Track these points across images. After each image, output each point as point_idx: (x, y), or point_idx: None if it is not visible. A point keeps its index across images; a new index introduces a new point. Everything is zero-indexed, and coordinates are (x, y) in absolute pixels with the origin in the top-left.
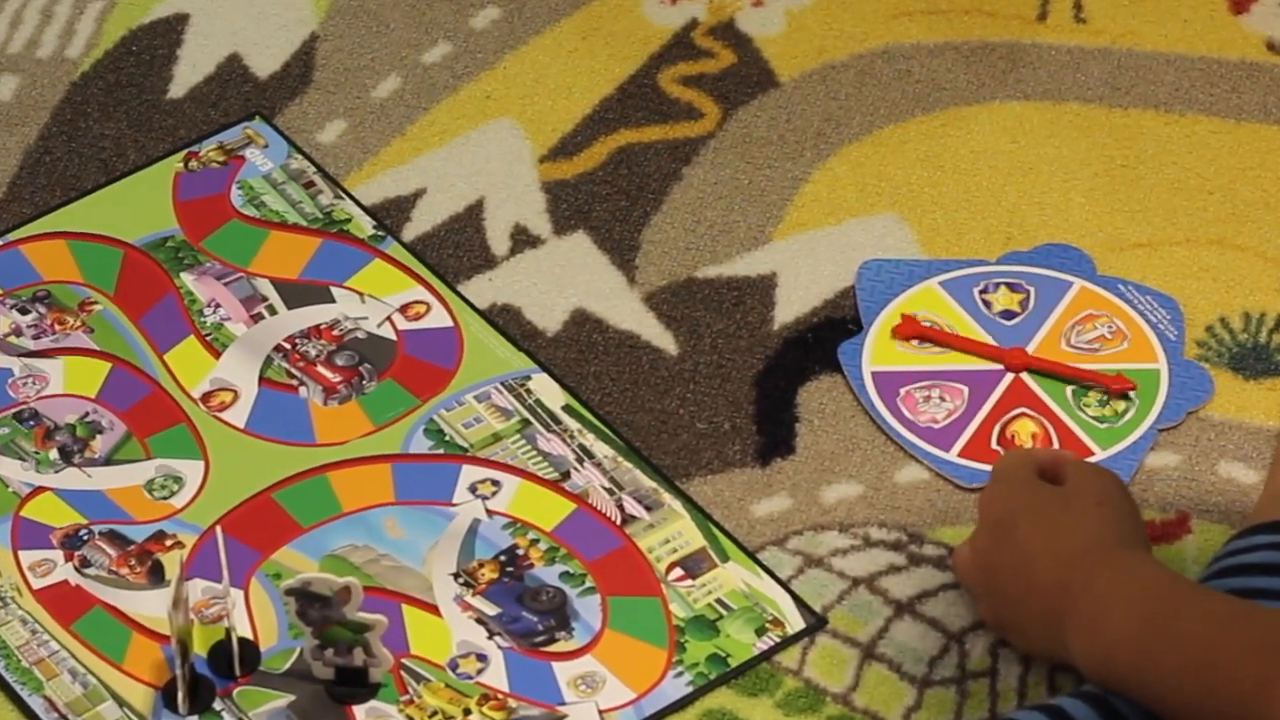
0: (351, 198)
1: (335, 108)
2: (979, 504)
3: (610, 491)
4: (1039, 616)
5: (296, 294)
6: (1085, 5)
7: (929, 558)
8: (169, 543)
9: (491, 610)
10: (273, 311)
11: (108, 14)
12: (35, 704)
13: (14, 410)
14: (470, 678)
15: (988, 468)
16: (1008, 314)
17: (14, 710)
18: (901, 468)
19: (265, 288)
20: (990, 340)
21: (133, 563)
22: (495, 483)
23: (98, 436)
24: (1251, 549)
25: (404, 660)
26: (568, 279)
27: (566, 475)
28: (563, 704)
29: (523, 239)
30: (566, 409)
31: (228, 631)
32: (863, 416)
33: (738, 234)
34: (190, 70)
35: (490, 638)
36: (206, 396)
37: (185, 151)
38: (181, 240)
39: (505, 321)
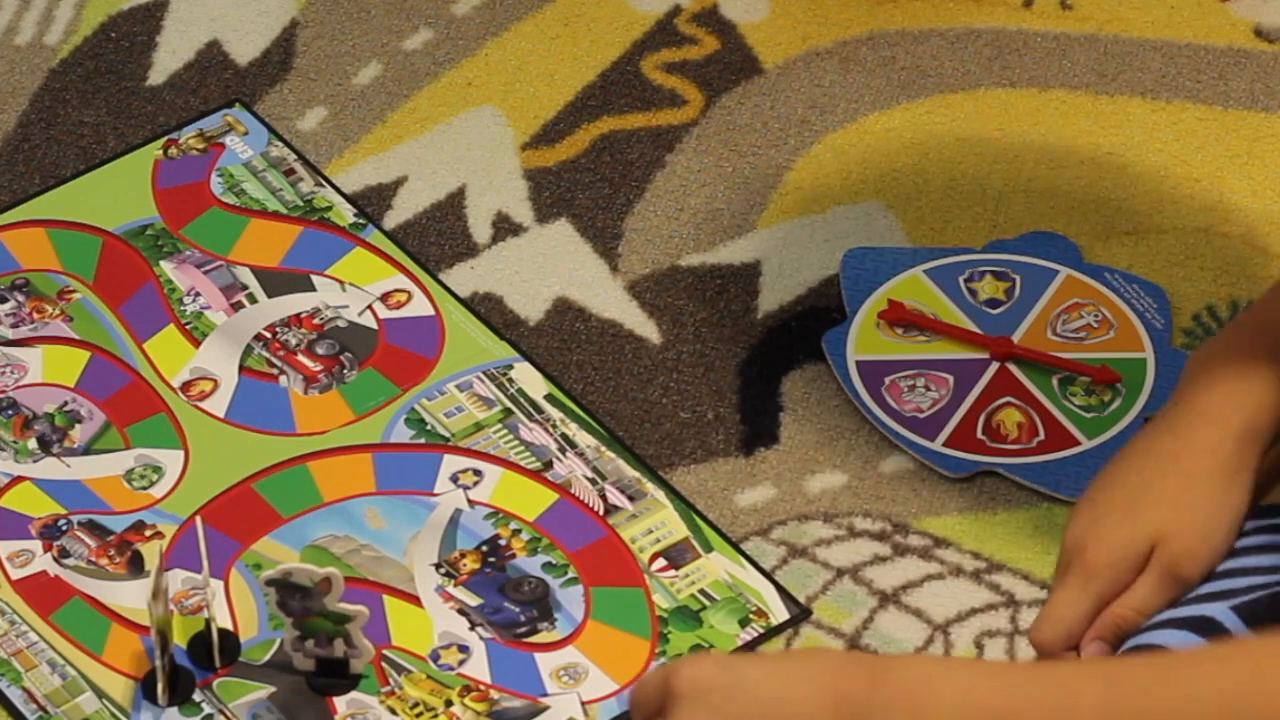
0: (332, 185)
1: (316, 95)
2: None
3: (593, 481)
4: None
5: (277, 282)
6: None
7: (914, 548)
8: (148, 533)
9: (473, 601)
10: (253, 300)
11: (87, 0)
12: (14, 695)
13: None
14: (452, 669)
15: (974, 457)
16: (993, 302)
17: None
18: (886, 457)
19: (245, 276)
20: (976, 329)
21: (112, 553)
22: (477, 473)
23: (76, 426)
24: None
25: (385, 651)
26: (550, 267)
27: (549, 465)
28: (545, 695)
29: (505, 227)
30: (549, 398)
31: (207, 622)
32: (847, 406)
33: (721, 222)
34: (170, 57)
35: (472, 629)
36: (186, 385)
37: (165, 139)
38: (161, 228)
39: (487, 310)
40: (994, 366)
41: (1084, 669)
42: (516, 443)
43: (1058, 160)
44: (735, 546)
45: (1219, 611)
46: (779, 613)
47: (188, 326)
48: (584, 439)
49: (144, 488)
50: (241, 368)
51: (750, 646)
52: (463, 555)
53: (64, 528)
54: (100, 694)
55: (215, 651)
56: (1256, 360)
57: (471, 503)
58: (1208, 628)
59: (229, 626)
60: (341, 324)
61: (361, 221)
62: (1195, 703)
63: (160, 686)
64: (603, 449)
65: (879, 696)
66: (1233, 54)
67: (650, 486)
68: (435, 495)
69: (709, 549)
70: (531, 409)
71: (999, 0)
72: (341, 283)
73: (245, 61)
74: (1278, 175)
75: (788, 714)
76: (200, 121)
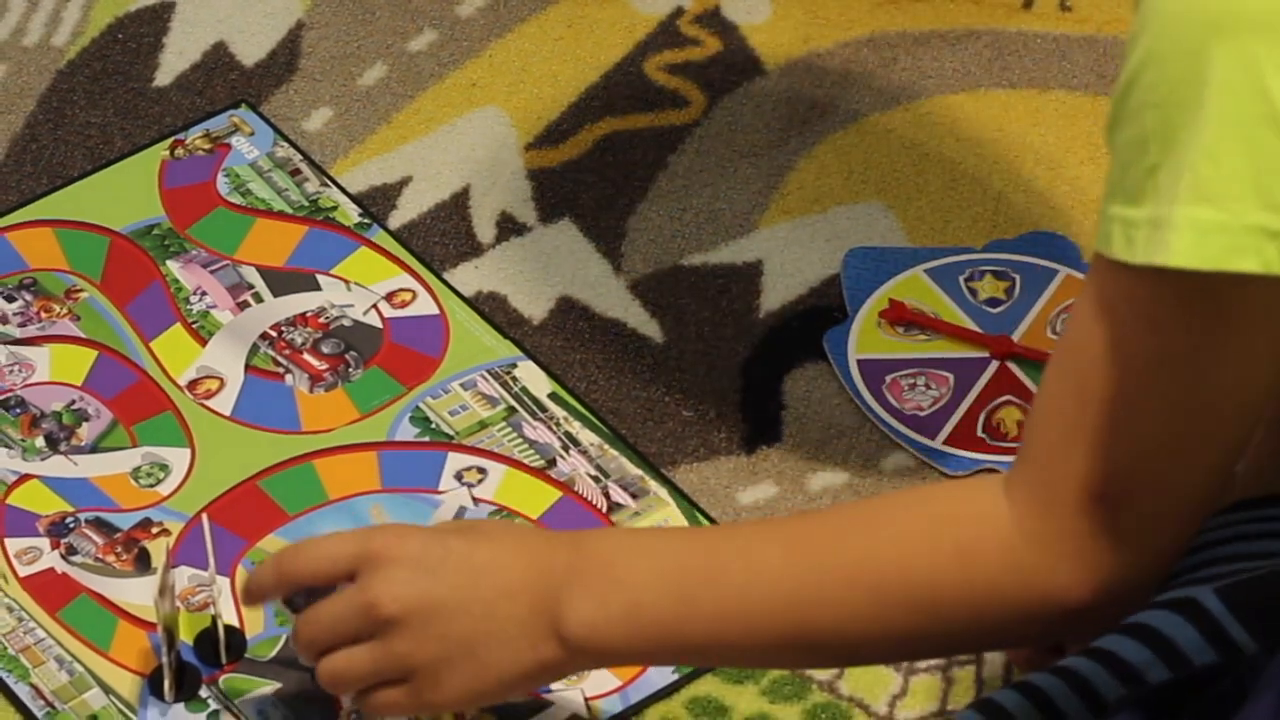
0: (337, 185)
1: (321, 96)
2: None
3: (596, 479)
4: (505, 626)
5: (282, 281)
6: None
7: None
8: (155, 530)
9: None
10: (259, 299)
11: (94, 2)
12: (21, 691)
13: (0, 398)
14: None
15: (974, 455)
16: (993, 301)
17: (0, 698)
18: (887, 455)
19: (251, 275)
20: (976, 328)
21: (119, 550)
22: (481, 470)
23: (84, 424)
24: (1221, 526)
25: None
26: (553, 267)
27: (552, 463)
28: (549, 691)
29: (508, 227)
30: (552, 396)
31: (214, 619)
32: (848, 404)
33: (723, 222)
34: (176, 58)
35: None
36: (192, 384)
37: (171, 139)
38: (168, 228)
39: (491, 309)
40: (994, 365)
41: (766, 530)
42: (520, 441)
43: (1058, 160)
44: None
45: (1201, 593)
46: None
47: (194, 325)
48: (587, 437)
49: (151, 485)
50: (247, 366)
51: None
52: None
53: (71, 525)
54: (107, 690)
55: (221, 648)
56: None
57: (476, 500)
58: (1189, 607)
59: (235, 623)
60: (347, 323)
61: (366, 221)
62: (871, 559)
63: (167, 683)
64: (606, 447)
65: (579, 564)
66: None
67: (653, 484)
68: (440, 493)
69: None
70: (535, 407)
71: (999, 1)
72: (347, 282)
73: (251, 63)
74: None
75: (498, 581)
76: (206, 122)
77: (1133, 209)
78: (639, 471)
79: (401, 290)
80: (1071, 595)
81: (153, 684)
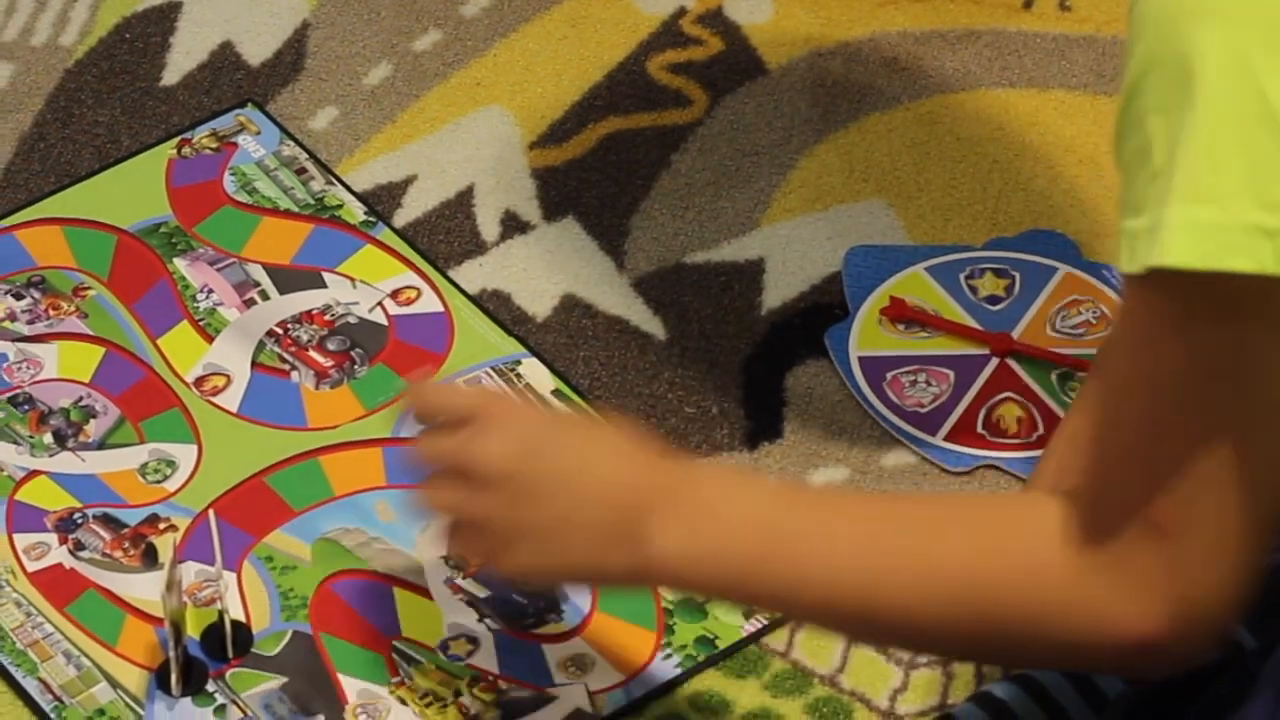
0: (343, 184)
1: (327, 95)
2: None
3: None
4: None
5: (288, 279)
6: None
7: None
8: (162, 526)
9: (482, 593)
10: (265, 297)
11: (101, 2)
12: (30, 686)
13: (8, 395)
14: (461, 660)
15: (974, 451)
16: (993, 299)
17: (9, 692)
18: (888, 452)
19: (258, 273)
20: (976, 325)
21: (126, 546)
22: None
23: (92, 421)
24: None
25: (395, 642)
26: (557, 264)
27: None
28: (553, 685)
29: (512, 225)
30: (556, 393)
31: (220, 614)
32: (849, 401)
33: (726, 220)
34: (183, 57)
35: (480, 620)
36: (199, 381)
37: (178, 138)
38: (175, 226)
39: (495, 306)
40: (994, 362)
41: (853, 507)
42: None
43: (1057, 160)
44: None
45: None
46: None
47: (201, 323)
48: None
49: (158, 481)
50: (254, 363)
51: (755, 638)
52: None
53: (79, 521)
54: (115, 684)
55: (228, 643)
56: None
57: None
58: None
59: (241, 618)
60: (352, 320)
61: (372, 219)
62: (941, 560)
63: (174, 677)
64: None
65: (678, 491)
66: None
67: None
68: None
69: None
70: (539, 404)
71: (999, 2)
72: (352, 280)
73: (258, 62)
74: None
75: (593, 484)
76: (213, 121)
77: (1134, 219)
78: None
79: (406, 288)
80: (1146, 629)
81: (160, 678)
